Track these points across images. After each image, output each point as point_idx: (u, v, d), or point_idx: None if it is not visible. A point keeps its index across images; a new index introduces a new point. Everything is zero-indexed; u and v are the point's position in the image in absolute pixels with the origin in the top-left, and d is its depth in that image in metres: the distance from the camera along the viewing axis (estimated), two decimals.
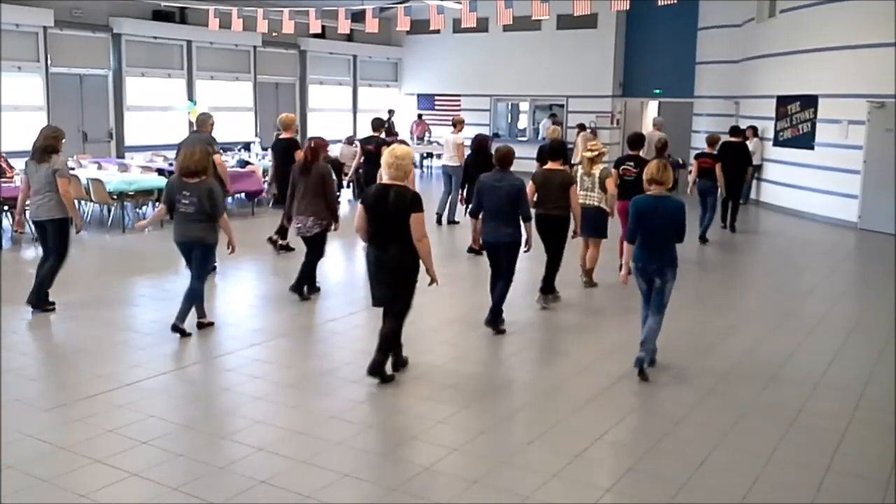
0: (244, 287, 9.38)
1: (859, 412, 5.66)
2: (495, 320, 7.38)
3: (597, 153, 8.86)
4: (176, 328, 7.01)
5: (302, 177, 8.24)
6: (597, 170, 8.78)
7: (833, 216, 14.26)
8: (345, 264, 10.78)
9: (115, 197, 12.26)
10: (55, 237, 7.76)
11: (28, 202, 7.85)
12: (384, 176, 5.97)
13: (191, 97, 19.05)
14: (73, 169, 13.16)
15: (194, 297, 7.17)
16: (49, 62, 16.18)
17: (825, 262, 11.39)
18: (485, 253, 7.69)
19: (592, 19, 20.29)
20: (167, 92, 18.72)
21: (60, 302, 8.47)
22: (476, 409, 5.65)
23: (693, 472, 4.66)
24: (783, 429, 5.32)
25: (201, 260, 7.14)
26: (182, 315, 7.05)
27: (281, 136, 11.05)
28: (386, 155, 5.89)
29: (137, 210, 12.93)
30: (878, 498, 4.43)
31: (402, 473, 4.58)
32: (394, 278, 5.92)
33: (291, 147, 10.52)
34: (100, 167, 13.79)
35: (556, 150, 8.34)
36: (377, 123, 13.33)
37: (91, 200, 12.55)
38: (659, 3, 11.05)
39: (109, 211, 12.77)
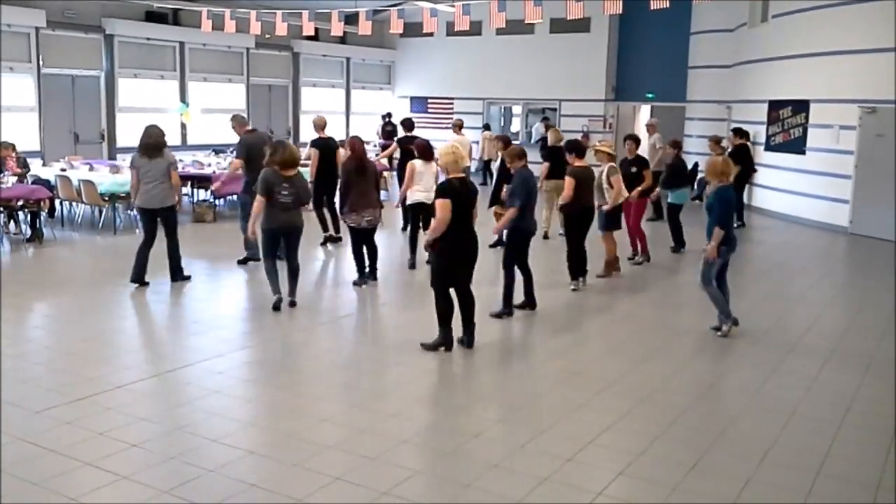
0: (233, 290, 9.36)
1: (849, 416, 5.68)
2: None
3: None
4: (292, 303, 8.09)
5: (362, 175, 8.92)
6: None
7: (824, 221, 14.31)
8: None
9: (106, 198, 12.22)
10: (168, 221, 8.86)
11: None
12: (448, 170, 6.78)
13: (183, 99, 19.02)
14: (64, 170, 13.14)
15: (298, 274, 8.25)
16: (41, 63, 16.14)
17: (817, 266, 11.43)
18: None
19: (585, 23, 20.32)
20: (160, 93, 18.69)
21: (50, 305, 8.46)
22: (467, 413, 5.65)
23: (684, 475, 4.67)
24: (776, 432, 5.34)
25: (298, 242, 8.22)
26: (292, 290, 8.12)
27: (322, 137, 11.49)
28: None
29: (129, 212, 12.87)
30: (868, 501, 4.46)
31: (393, 477, 4.57)
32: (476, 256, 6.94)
33: (334, 146, 11.37)
34: (91, 168, 13.73)
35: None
36: (408, 124, 13.69)
37: (82, 202, 12.51)
38: (652, 7, 11.08)
39: (101, 213, 12.73)
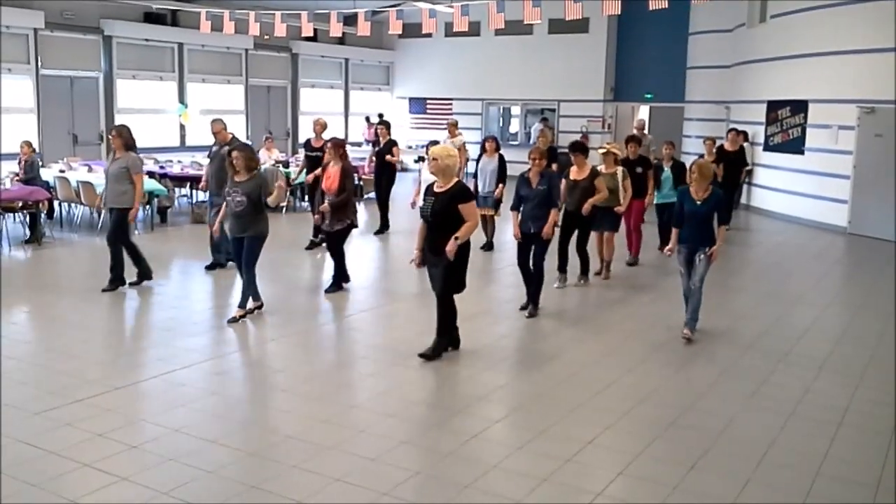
0: (230, 292, 9.35)
1: (849, 416, 5.68)
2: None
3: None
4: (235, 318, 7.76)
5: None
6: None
7: (823, 221, 14.32)
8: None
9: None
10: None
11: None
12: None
13: (182, 100, 19.02)
14: (63, 171, 13.12)
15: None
16: (39, 64, 16.12)
17: (816, 266, 11.43)
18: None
19: (584, 24, 20.34)
20: (158, 94, 18.68)
21: (49, 306, 8.45)
22: (466, 414, 5.64)
23: (684, 475, 4.67)
24: (775, 432, 5.34)
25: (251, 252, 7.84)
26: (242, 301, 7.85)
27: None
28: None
29: None
30: (867, 501, 4.46)
31: (393, 478, 4.57)
32: None
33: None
34: (90, 170, 13.73)
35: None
36: (387, 125, 13.92)
37: (81, 203, 12.50)
38: (650, 8, 11.07)
39: (99, 214, 12.71)
